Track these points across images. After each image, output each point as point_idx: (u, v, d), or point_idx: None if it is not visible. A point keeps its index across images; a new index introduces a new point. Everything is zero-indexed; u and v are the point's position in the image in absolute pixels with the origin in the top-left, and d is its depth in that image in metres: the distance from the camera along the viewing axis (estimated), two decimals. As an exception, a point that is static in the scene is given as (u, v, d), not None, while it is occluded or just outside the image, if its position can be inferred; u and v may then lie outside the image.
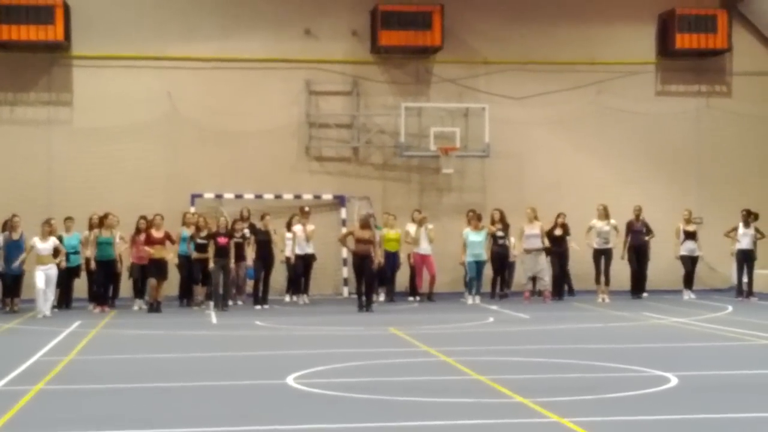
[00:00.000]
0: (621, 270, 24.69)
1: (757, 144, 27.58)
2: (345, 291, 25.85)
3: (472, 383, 11.88)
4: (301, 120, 26.34)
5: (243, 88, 26.00)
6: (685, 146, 27.46)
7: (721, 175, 27.38)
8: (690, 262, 24.81)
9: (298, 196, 25.72)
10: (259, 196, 25.56)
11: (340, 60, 26.48)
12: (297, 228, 23.59)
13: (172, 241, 22.32)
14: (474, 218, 23.77)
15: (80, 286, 23.06)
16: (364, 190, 26.22)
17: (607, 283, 23.99)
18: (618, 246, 24.38)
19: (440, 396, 10.92)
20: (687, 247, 24.69)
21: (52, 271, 21.00)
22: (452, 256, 24.49)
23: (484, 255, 23.64)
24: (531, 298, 23.74)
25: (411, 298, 24.46)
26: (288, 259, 23.72)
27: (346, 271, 25.58)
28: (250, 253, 22.64)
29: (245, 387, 11.81)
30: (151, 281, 21.92)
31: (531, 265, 23.87)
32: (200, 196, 25.48)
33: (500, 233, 24.12)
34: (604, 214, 24.12)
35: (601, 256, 24.03)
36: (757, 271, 24.43)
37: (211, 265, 21.74)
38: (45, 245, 21.04)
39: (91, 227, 22.49)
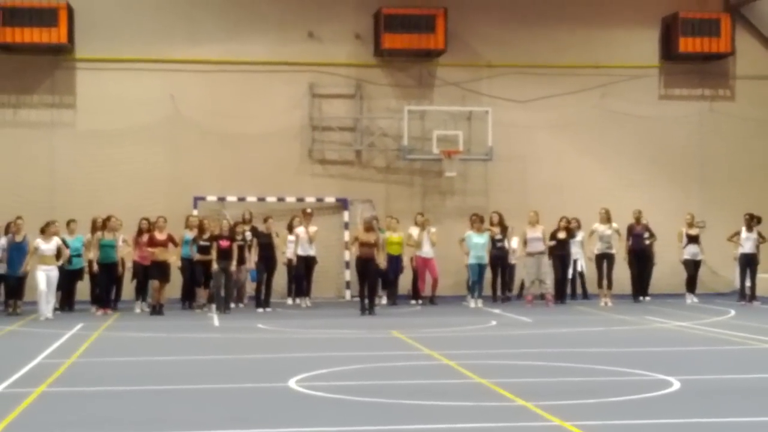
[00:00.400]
0: (623, 274, 24.67)
1: (760, 148, 27.58)
2: (347, 294, 25.85)
3: (474, 386, 11.87)
4: (304, 123, 26.35)
5: (246, 91, 26.02)
6: (688, 150, 27.46)
7: (724, 179, 27.39)
8: (693, 266, 24.79)
9: (300, 199, 25.73)
10: (261, 199, 25.57)
11: (343, 63, 26.51)
12: (299, 230, 23.59)
13: (175, 244, 22.32)
14: (477, 221, 23.80)
15: (82, 288, 23.05)
16: (367, 193, 26.23)
17: (609, 286, 23.98)
18: (620, 250, 24.38)
19: (442, 399, 10.90)
20: (690, 251, 24.67)
21: (54, 272, 21.01)
22: (455, 259, 24.50)
23: (486, 258, 23.66)
24: (533, 302, 23.73)
25: (413, 302, 24.44)
26: (290, 261, 23.72)
27: (349, 274, 25.59)
28: (252, 255, 22.65)
29: (247, 390, 11.81)
30: (154, 283, 21.93)
31: (533, 268, 23.86)
32: (203, 198, 25.50)
33: (499, 236, 24.18)
34: (606, 218, 24.11)
35: (604, 260, 24.02)
36: (760, 275, 24.43)
37: (215, 267, 21.75)
38: (48, 246, 21.05)
39: (94, 230, 22.47)
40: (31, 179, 25.18)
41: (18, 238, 21.57)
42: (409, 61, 26.80)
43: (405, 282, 24.79)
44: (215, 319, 20.62)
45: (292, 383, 11.96)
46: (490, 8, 26.93)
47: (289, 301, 24.30)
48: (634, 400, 10.84)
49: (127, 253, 22.69)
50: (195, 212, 24.60)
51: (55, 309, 21.48)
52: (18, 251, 21.49)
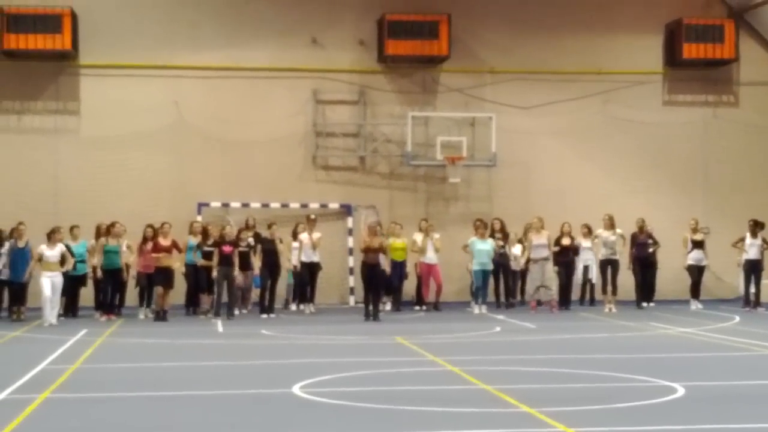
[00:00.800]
0: (627, 280, 24.64)
1: (764, 154, 27.54)
2: (351, 300, 25.84)
3: (478, 393, 11.86)
4: (307, 129, 26.36)
5: (250, 97, 26.03)
6: (692, 156, 27.43)
7: (728, 185, 27.36)
8: (697, 272, 24.75)
9: (304, 205, 25.72)
10: (265, 205, 25.57)
11: (346, 69, 26.51)
12: (303, 236, 23.59)
13: (179, 250, 22.33)
14: (480, 227, 23.79)
15: (86, 294, 23.06)
16: (371, 199, 26.23)
17: (614, 293, 23.95)
18: (624, 256, 24.36)
19: (446, 405, 10.89)
20: (694, 257, 24.63)
21: (58, 279, 21.02)
22: (459, 265, 24.49)
23: (491, 264, 23.65)
24: (537, 308, 23.69)
25: (417, 308, 24.44)
26: (294, 267, 23.72)
27: (353, 280, 25.58)
28: (257, 261, 22.65)
29: (251, 396, 11.81)
30: (158, 289, 21.94)
31: (537, 274, 23.84)
32: (207, 204, 25.50)
33: (500, 242, 24.17)
34: (610, 224, 24.10)
35: (608, 266, 24.00)
36: (765, 282, 24.36)
37: (215, 273, 21.77)
38: (52, 252, 21.06)
39: (98, 236, 22.50)
40: (34, 185, 25.20)
41: (20, 244, 21.58)
42: (412, 68, 26.80)
43: (409, 288, 24.79)
44: (219, 325, 20.61)
45: (296, 389, 11.96)
46: (494, 14, 26.93)
47: (293, 307, 24.29)
48: (638, 406, 10.83)
49: (131, 260, 22.69)
50: (199, 218, 24.60)
51: (59, 315, 21.49)
52: (21, 257, 21.49)
